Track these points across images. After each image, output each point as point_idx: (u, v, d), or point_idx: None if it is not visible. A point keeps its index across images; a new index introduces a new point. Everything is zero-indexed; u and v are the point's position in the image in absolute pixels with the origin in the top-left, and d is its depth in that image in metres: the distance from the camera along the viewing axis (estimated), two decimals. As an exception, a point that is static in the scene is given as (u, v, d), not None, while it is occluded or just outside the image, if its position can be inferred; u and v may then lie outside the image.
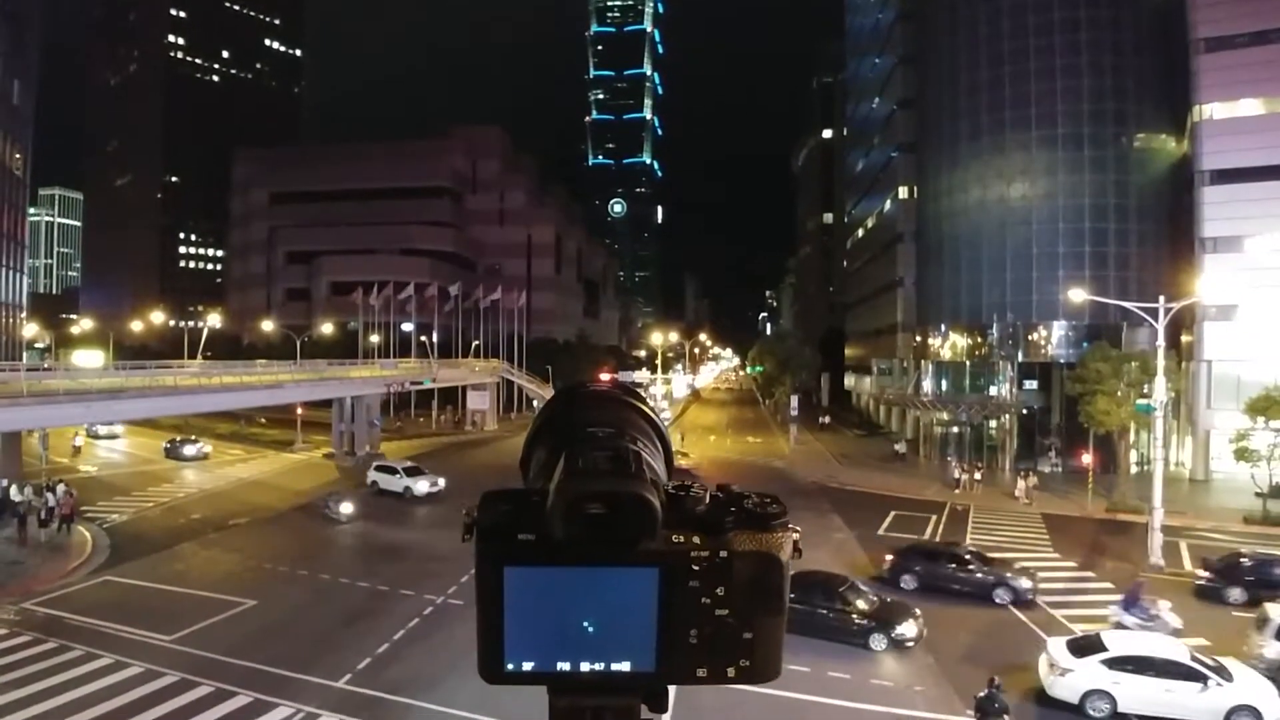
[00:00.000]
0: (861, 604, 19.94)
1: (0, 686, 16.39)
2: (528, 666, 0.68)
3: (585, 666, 0.68)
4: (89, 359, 54.75)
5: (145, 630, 19.82)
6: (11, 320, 46.64)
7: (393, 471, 38.88)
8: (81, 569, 25.39)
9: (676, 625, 0.69)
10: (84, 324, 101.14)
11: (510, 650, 0.67)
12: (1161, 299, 28.31)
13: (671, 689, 0.72)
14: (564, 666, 0.68)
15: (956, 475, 41.95)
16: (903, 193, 66.78)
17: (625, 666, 0.68)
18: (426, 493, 37.54)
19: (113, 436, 55.40)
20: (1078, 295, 35.71)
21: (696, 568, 0.69)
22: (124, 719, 15.16)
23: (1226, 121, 44.22)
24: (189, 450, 48.04)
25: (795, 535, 0.74)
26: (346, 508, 32.77)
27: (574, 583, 0.67)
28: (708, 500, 0.72)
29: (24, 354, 52.31)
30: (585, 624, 0.67)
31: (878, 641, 19.22)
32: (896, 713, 16.16)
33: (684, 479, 0.93)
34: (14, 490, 31.11)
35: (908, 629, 19.33)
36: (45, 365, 47.91)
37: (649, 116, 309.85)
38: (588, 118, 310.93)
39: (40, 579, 24.03)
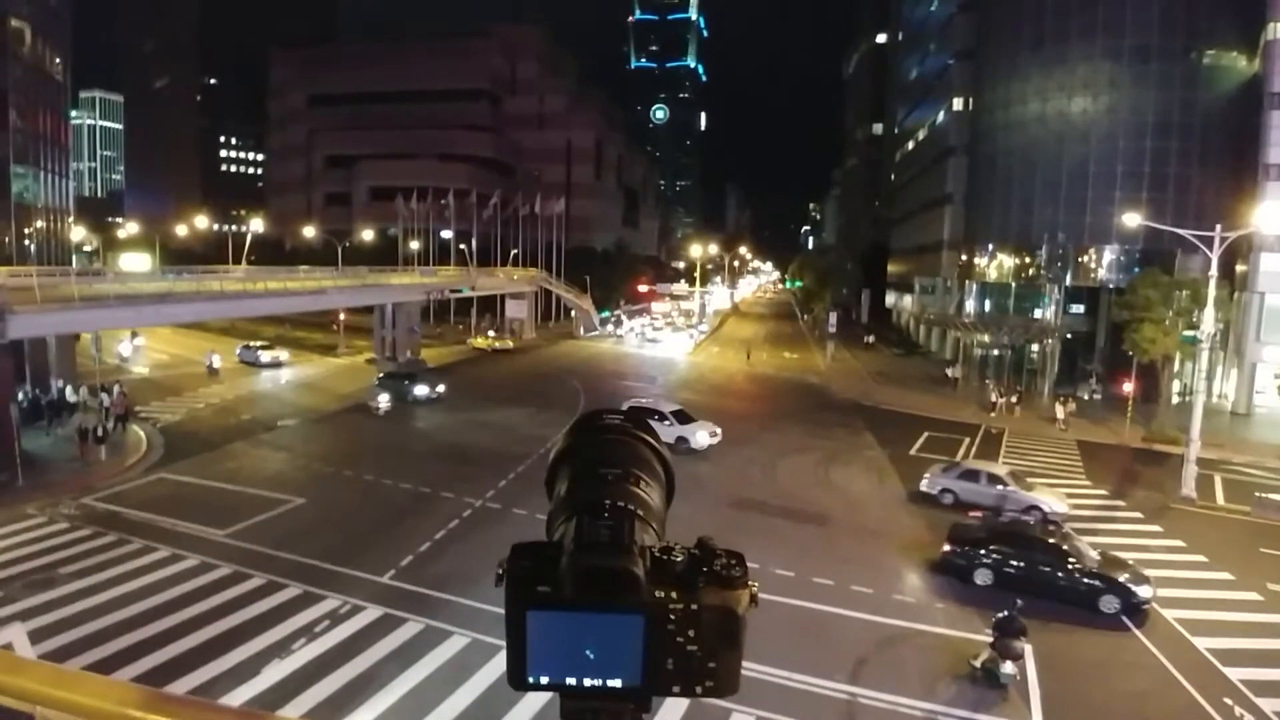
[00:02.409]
0: (1086, 561, 18.01)
1: (66, 577, 17.44)
2: (544, 680, 0.91)
3: (588, 682, 0.91)
4: (136, 262, 55.93)
5: (200, 525, 20.85)
6: (60, 224, 47.43)
7: (658, 417, 30.02)
8: (137, 466, 26.61)
9: (657, 655, 0.91)
10: (130, 227, 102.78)
11: (531, 668, 0.90)
12: (1218, 227, 27.23)
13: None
14: (571, 681, 0.91)
15: (993, 398, 41.66)
16: (957, 104, 64.25)
17: (618, 683, 0.91)
18: (707, 445, 30.18)
19: (276, 365, 47.72)
20: (1132, 220, 34.41)
21: (673, 616, 0.91)
22: (183, 608, 16.12)
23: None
24: (420, 390, 38.57)
25: (753, 589, 0.95)
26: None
27: (580, 623, 0.89)
28: (685, 559, 0.94)
29: (73, 258, 53.24)
30: (588, 651, 0.90)
31: (1108, 604, 17.19)
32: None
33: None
34: (69, 391, 32.40)
35: (1144, 590, 17.34)
36: (94, 269, 48.87)
37: (694, 16, 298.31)
38: (630, 17, 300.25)
39: (98, 476, 25.23)
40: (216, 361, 44.66)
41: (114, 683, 1.30)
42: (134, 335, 49.08)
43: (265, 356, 48.06)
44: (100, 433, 26.99)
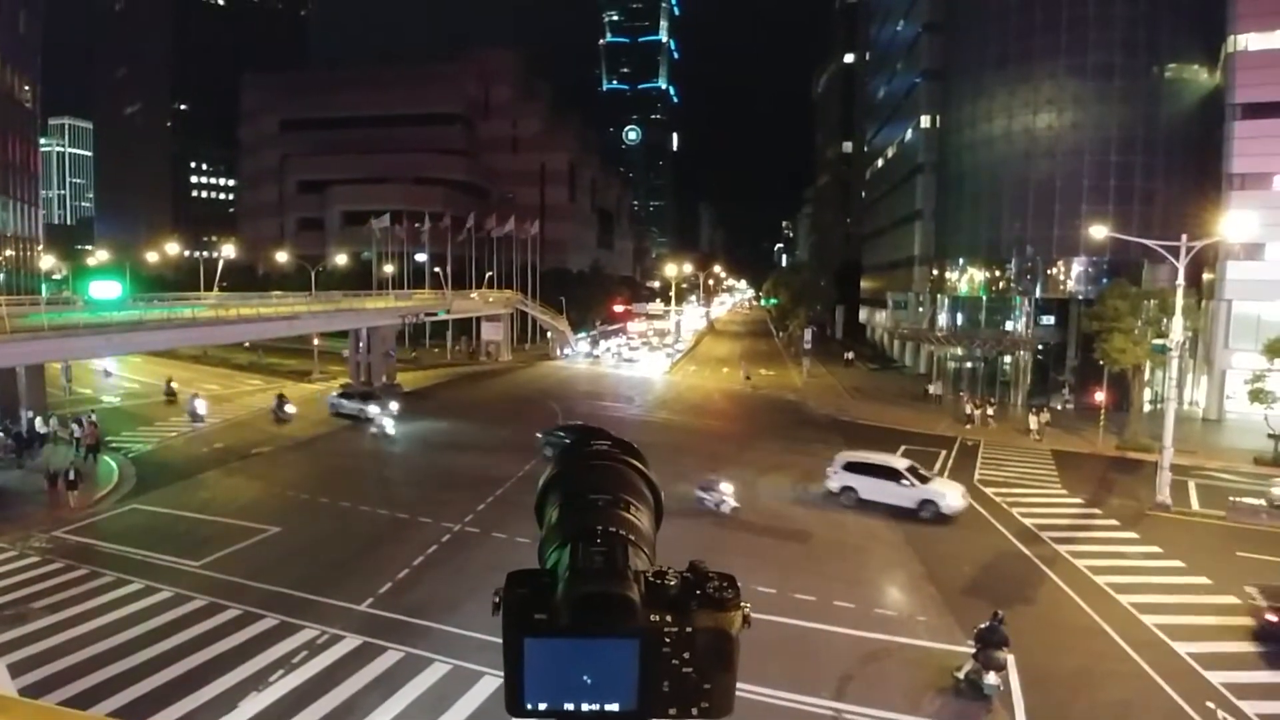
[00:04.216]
0: None
1: (36, 612, 17.03)
2: (542, 706, 0.91)
3: (585, 707, 0.91)
4: (106, 290, 55.11)
5: (173, 556, 20.47)
6: (29, 252, 46.79)
7: (891, 474, 25.69)
8: (109, 498, 26.12)
9: (653, 679, 0.91)
10: (100, 255, 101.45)
11: (529, 694, 0.90)
12: (1184, 237, 27.80)
13: None
14: (569, 706, 0.91)
15: (968, 410, 42.04)
16: (925, 122, 65.27)
17: (615, 707, 0.92)
18: (960, 508, 25.08)
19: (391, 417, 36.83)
20: (1099, 232, 35.08)
21: (668, 639, 0.92)
22: (156, 641, 15.78)
23: (1261, 54, 42.51)
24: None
25: (745, 610, 0.96)
26: None
27: (576, 649, 0.90)
28: (679, 583, 0.95)
29: (42, 286, 52.39)
30: (585, 677, 0.91)
31: None
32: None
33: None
34: (39, 422, 31.80)
35: None
36: (64, 297, 48.00)
37: (665, 39, 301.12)
38: (601, 41, 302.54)
39: (70, 508, 24.69)
40: (391, 427, 35.41)
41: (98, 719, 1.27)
42: (283, 400, 39.97)
43: (372, 409, 36.88)
44: (72, 476, 25.26)
